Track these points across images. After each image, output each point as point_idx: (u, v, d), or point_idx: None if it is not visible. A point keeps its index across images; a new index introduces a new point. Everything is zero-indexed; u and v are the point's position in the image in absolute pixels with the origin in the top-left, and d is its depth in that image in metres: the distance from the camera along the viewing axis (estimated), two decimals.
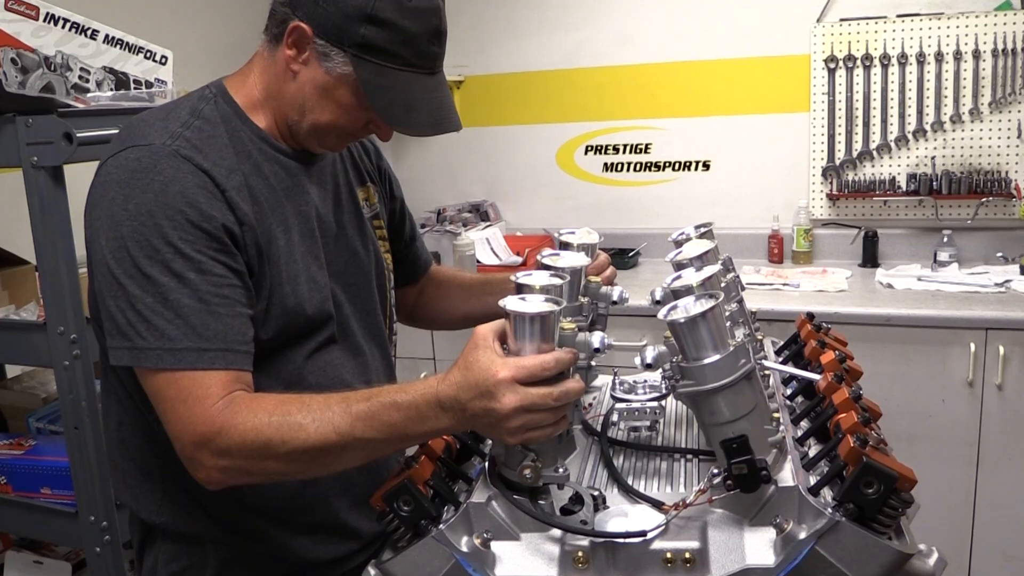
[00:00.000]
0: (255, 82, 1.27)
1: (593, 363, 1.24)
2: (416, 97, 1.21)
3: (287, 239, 1.25)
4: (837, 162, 3.32)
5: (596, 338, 1.06)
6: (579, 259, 1.25)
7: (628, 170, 3.67)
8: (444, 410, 1.02)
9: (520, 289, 1.09)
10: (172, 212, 1.12)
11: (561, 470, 1.04)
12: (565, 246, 1.33)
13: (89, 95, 1.77)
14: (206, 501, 1.25)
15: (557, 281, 1.09)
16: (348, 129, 1.26)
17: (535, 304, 1.01)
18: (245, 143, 1.24)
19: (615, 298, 1.31)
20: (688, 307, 0.99)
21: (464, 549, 1.01)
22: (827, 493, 0.99)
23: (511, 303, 1.01)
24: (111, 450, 1.34)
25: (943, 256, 3.13)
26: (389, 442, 1.06)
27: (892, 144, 3.25)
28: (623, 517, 1.01)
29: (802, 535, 0.94)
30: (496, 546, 1.02)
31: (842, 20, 3.25)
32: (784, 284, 3.09)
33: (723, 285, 1.19)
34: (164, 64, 1.99)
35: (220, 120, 1.23)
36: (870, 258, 3.29)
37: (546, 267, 1.21)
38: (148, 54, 1.95)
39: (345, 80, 1.19)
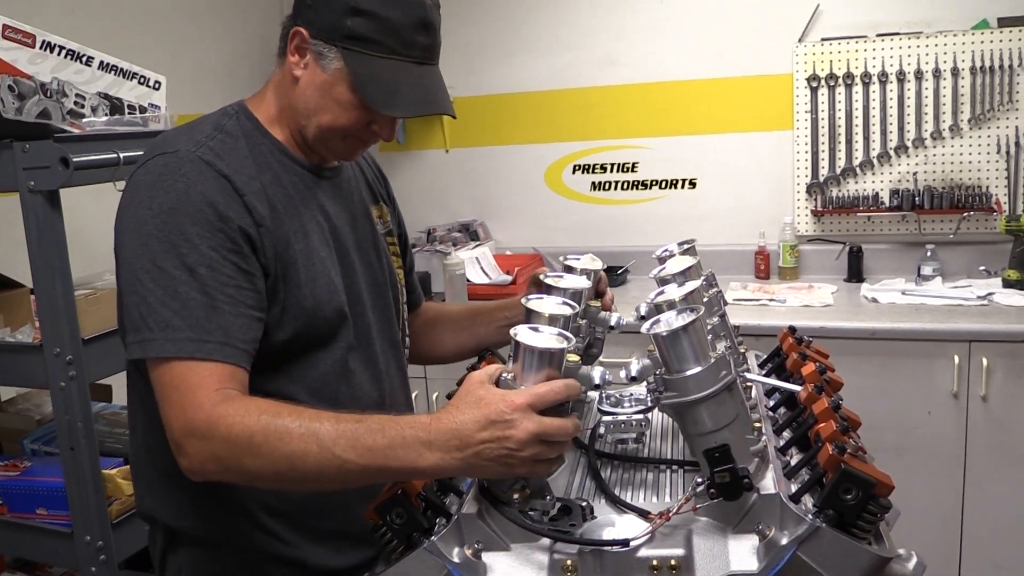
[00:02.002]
0: (271, 99, 1.34)
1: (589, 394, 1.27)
2: (400, 81, 1.26)
3: (305, 244, 1.29)
4: (821, 179, 3.37)
5: (597, 373, 1.08)
6: (581, 282, 1.29)
7: (616, 189, 3.71)
8: (430, 449, 1.02)
9: (529, 315, 1.11)
10: (193, 210, 1.17)
11: (548, 498, 1.06)
12: (568, 271, 1.36)
13: (84, 120, 1.80)
14: (229, 504, 1.28)
15: (567, 311, 1.12)
16: (351, 130, 1.30)
17: (548, 339, 1.03)
18: (265, 155, 1.30)
19: (612, 323, 1.35)
20: (670, 321, 1.02)
21: (456, 560, 1.03)
22: (808, 500, 1.01)
23: (523, 335, 1.03)
24: (137, 458, 1.37)
25: (927, 270, 3.17)
26: (366, 470, 1.05)
27: (875, 161, 3.30)
28: (611, 527, 1.04)
29: (784, 541, 0.97)
30: (487, 556, 1.04)
31: (823, 40, 3.30)
32: (771, 299, 3.13)
33: (705, 300, 1.22)
34: (158, 89, 2.02)
35: (241, 135, 1.29)
36: (855, 273, 3.33)
37: (549, 287, 1.24)
38: (142, 80, 1.98)
39: (340, 76, 1.25)
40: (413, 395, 3.12)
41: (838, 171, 3.35)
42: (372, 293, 1.42)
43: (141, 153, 1.28)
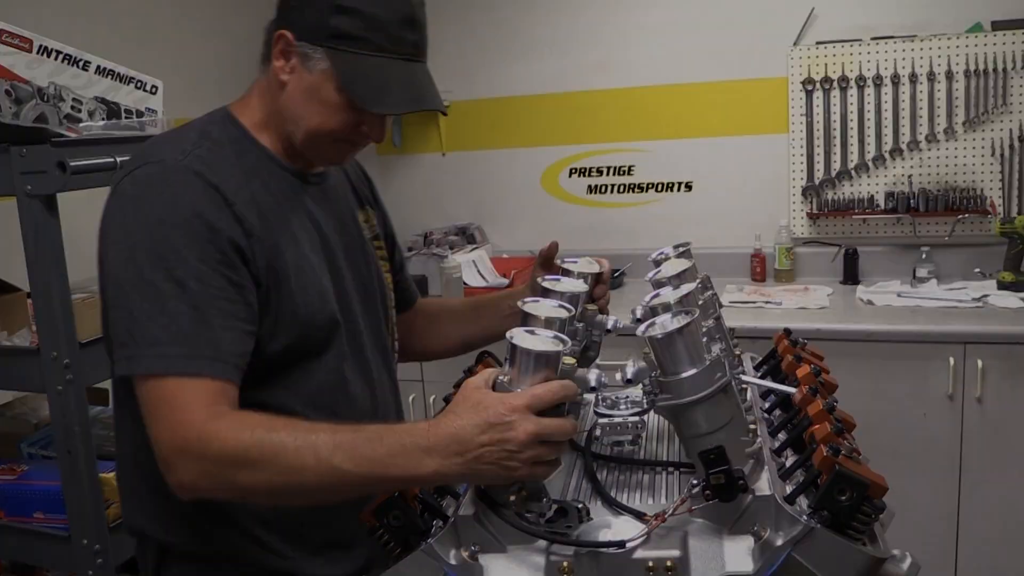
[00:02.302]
0: (256, 105, 1.31)
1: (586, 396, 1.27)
2: (389, 78, 1.23)
3: (296, 252, 1.27)
4: (816, 182, 3.38)
5: (593, 375, 1.09)
6: (578, 285, 1.29)
7: (612, 192, 3.72)
8: (429, 455, 1.02)
9: (525, 318, 1.11)
10: (181, 222, 1.14)
11: (545, 500, 1.06)
12: (566, 273, 1.36)
13: (81, 125, 1.80)
14: (221, 518, 1.26)
15: (563, 314, 1.12)
16: (340, 132, 1.27)
17: (543, 341, 1.03)
18: (252, 162, 1.27)
19: (609, 326, 1.35)
20: (665, 323, 1.03)
21: (453, 562, 1.04)
22: (803, 501, 1.01)
23: (519, 338, 1.03)
24: (125, 475, 1.34)
25: (922, 272, 3.18)
26: (365, 480, 1.05)
27: (869, 163, 3.31)
28: (607, 528, 1.04)
29: (779, 542, 0.97)
30: (484, 558, 1.04)
31: (818, 43, 3.31)
32: (767, 302, 3.14)
33: (700, 302, 1.22)
34: (154, 94, 2.02)
35: (227, 141, 1.26)
36: (851, 275, 3.34)
37: (547, 291, 1.24)
38: (139, 84, 1.98)
39: (327, 76, 1.22)
40: (410, 398, 3.15)
41: (833, 174, 3.36)
42: (362, 300, 1.40)
43: None
